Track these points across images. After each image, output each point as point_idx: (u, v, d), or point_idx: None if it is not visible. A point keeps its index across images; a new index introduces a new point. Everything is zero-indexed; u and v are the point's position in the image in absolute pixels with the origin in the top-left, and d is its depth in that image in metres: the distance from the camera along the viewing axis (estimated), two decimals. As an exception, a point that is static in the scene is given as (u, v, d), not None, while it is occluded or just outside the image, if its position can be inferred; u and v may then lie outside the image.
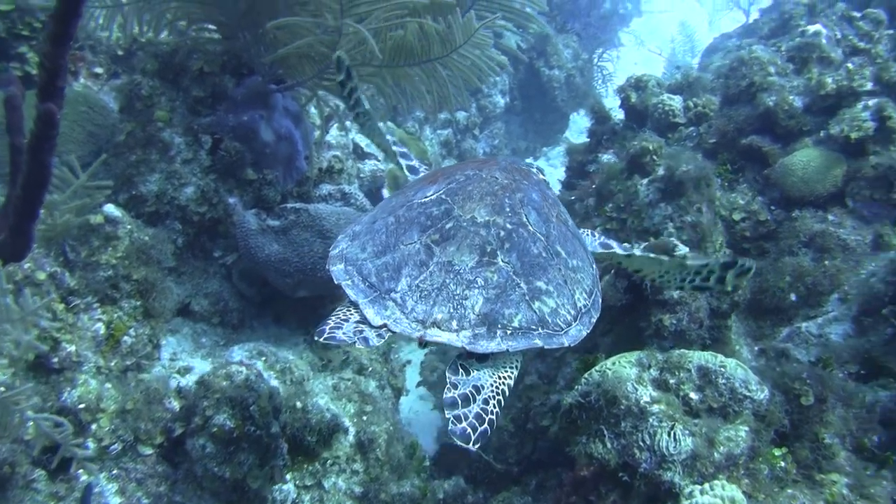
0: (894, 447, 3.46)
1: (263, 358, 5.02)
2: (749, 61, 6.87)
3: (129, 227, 4.58)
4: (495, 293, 3.01)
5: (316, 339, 2.85)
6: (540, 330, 3.04)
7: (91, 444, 4.10)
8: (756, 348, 5.05)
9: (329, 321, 2.94)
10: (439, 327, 2.90)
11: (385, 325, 2.92)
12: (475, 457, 5.58)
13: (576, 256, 3.47)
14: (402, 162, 4.17)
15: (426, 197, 3.36)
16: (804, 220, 5.57)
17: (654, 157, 6.15)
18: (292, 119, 5.48)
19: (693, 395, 3.42)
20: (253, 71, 5.29)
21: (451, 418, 2.73)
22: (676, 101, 6.99)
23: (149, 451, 4.29)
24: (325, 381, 5.17)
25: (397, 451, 5.07)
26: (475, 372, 2.95)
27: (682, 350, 3.61)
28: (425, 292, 3.00)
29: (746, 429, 3.31)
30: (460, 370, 2.94)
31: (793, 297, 5.12)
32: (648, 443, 3.32)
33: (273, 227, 5.21)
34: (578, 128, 16.49)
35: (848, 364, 4.09)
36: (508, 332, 2.96)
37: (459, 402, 2.80)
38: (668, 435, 3.28)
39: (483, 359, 2.99)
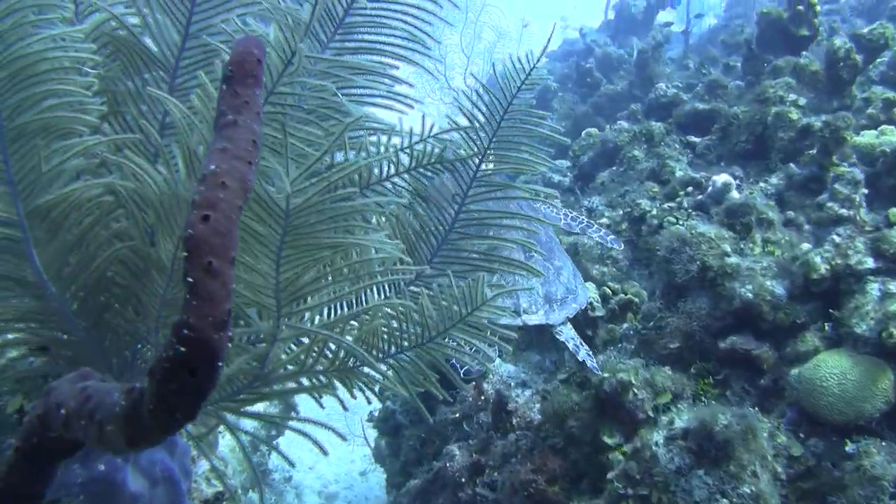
0: None
1: None
2: (693, 240, 5.47)
3: None
4: (544, 277, 4.15)
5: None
6: (570, 296, 4.35)
7: None
8: None
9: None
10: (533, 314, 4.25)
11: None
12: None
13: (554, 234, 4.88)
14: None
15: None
16: (872, 458, 4.03)
17: (636, 393, 4.82)
18: (166, 447, 3.82)
19: None
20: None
21: (585, 359, 4.36)
22: (591, 290, 5.41)
23: None
24: None
25: None
26: (564, 331, 4.34)
27: None
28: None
29: None
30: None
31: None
32: None
33: None
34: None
35: None
36: (559, 303, 4.27)
37: (581, 349, 4.36)
38: None
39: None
